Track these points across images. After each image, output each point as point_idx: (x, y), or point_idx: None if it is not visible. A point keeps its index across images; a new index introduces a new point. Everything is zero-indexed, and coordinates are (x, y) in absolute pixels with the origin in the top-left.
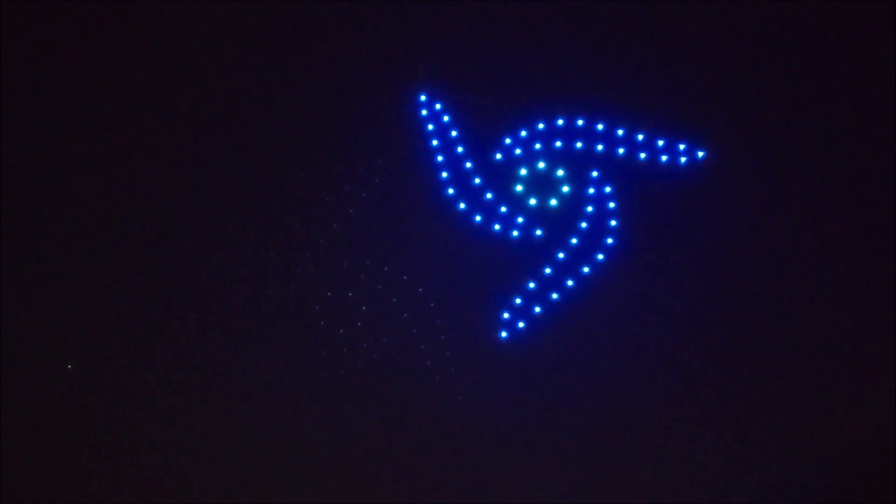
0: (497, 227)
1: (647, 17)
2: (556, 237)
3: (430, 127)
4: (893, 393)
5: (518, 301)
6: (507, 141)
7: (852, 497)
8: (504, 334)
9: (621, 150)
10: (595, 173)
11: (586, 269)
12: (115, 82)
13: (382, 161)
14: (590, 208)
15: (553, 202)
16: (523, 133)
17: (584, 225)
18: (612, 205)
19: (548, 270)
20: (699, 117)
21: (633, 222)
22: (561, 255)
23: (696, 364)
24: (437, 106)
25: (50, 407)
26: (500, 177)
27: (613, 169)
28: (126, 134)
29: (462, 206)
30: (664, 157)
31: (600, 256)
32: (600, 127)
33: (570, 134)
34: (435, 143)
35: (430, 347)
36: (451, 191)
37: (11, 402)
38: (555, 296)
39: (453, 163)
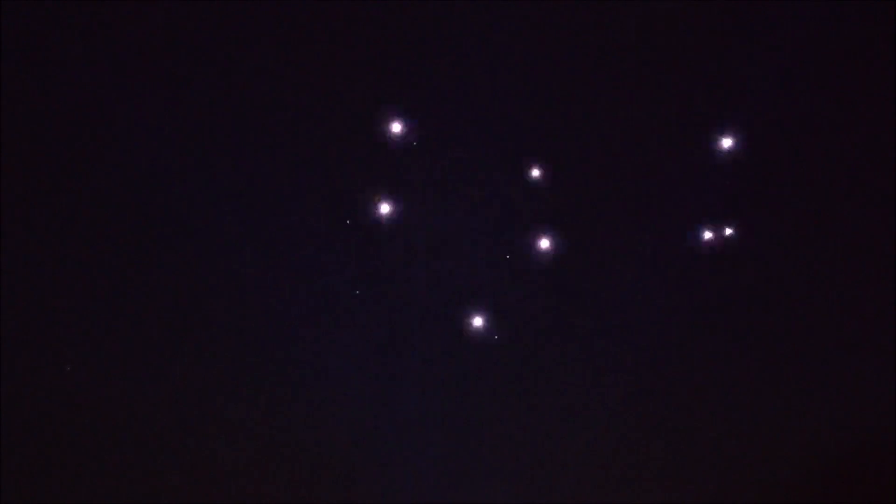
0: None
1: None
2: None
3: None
4: (894, 393)
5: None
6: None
7: (852, 497)
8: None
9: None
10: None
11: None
12: (114, 82)
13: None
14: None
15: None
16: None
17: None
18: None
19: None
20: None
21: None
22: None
23: (690, 363)
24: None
25: (49, 407)
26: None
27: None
28: (126, 133)
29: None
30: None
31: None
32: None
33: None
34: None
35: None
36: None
37: (11, 402)
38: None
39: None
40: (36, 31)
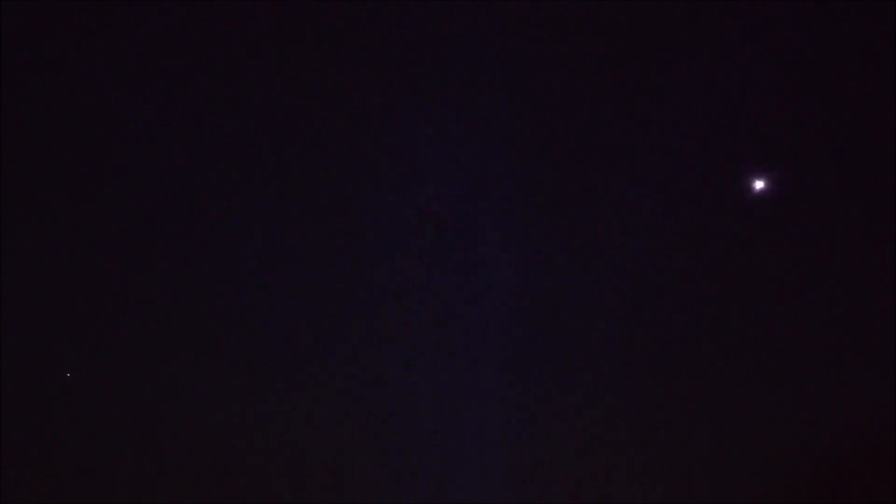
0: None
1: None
2: None
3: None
4: (894, 393)
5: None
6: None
7: (852, 496)
8: None
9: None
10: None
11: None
12: (115, 82)
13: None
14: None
15: None
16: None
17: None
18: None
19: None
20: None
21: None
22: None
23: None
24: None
25: (48, 414)
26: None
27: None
28: (128, 136)
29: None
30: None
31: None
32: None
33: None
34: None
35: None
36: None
37: (11, 408)
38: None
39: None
40: (36, 32)
